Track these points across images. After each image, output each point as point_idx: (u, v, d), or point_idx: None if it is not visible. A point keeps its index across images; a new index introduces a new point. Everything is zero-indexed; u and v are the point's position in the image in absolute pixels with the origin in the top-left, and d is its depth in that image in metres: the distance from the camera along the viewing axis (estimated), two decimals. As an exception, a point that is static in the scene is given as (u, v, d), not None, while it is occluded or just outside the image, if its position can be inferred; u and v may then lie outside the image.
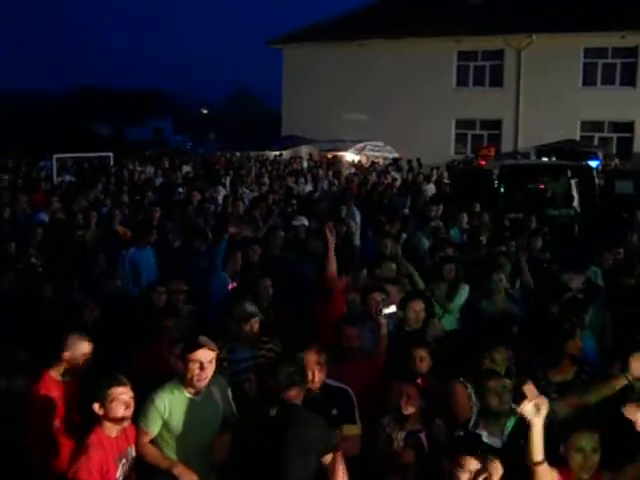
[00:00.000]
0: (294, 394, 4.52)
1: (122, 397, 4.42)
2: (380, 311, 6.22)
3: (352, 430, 5.04)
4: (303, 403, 4.62)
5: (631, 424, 4.15)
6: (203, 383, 4.74)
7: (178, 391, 4.77)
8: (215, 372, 4.86)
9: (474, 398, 5.41)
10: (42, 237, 10.16)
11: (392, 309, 6.29)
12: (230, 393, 5.08)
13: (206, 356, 4.71)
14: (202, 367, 4.69)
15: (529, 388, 3.82)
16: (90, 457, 4.26)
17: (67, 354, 5.16)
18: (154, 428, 4.74)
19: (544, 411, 3.82)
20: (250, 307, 6.19)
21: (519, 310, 7.84)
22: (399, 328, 6.63)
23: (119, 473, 4.49)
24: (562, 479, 4.06)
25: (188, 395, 4.77)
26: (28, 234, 10.11)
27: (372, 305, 6.53)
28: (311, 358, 4.92)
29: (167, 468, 4.70)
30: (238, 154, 30.91)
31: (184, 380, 4.76)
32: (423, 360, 5.72)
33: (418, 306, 6.71)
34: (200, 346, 4.72)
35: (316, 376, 4.94)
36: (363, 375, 5.68)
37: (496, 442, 4.64)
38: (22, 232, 10.33)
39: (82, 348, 5.22)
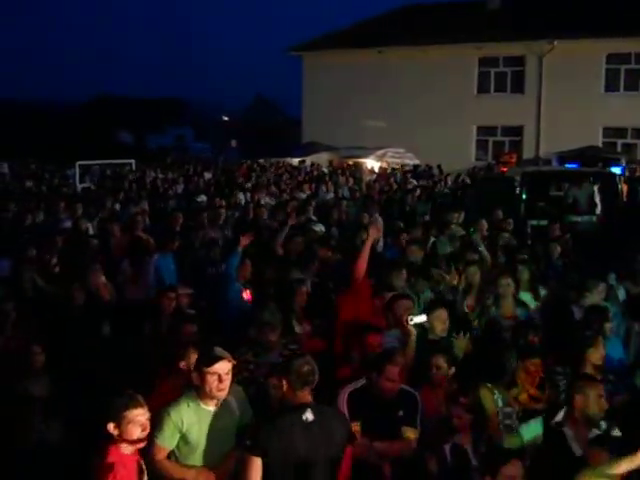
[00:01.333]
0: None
1: (139, 419, 4.23)
2: (410, 320, 6.20)
3: (409, 433, 5.18)
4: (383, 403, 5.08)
5: None
6: (222, 395, 4.70)
7: (194, 404, 4.71)
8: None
9: (500, 404, 5.44)
10: (64, 244, 10.24)
11: (422, 318, 6.28)
12: (246, 398, 5.05)
13: (224, 368, 4.66)
14: (220, 379, 4.63)
15: None
16: (115, 477, 4.11)
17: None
18: (171, 443, 4.66)
19: None
20: (271, 317, 6.26)
21: (526, 316, 7.79)
22: (423, 336, 6.60)
23: None
24: None
25: (205, 407, 4.72)
26: (51, 240, 10.17)
27: (400, 313, 6.51)
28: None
29: (194, 478, 4.66)
30: (261, 161, 30.96)
31: (200, 392, 4.70)
32: (440, 368, 5.71)
33: (443, 315, 6.69)
34: (218, 359, 4.66)
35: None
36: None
37: None
38: (44, 238, 10.39)
39: None
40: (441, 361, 5.70)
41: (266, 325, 6.19)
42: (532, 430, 5.26)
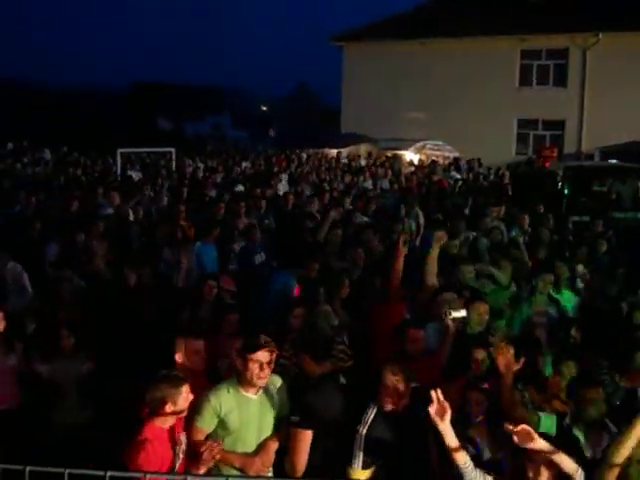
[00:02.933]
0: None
1: (188, 394, 4.52)
2: (450, 314, 6.19)
3: None
4: (396, 416, 4.65)
5: None
6: (262, 382, 4.75)
7: (234, 390, 4.77)
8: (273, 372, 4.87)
9: (529, 406, 5.42)
10: (105, 231, 10.37)
11: (462, 313, 6.26)
12: (286, 391, 5.05)
13: (266, 357, 4.70)
14: (262, 367, 4.69)
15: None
16: (149, 452, 4.26)
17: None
18: (210, 426, 4.73)
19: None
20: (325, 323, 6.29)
21: (556, 313, 7.71)
22: (462, 330, 6.58)
23: (177, 462, 4.52)
24: None
25: (244, 394, 4.77)
26: (92, 228, 10.31)
27: (442, 306, 6.49)
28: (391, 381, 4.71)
29: (229, 463, 4.69)
30: (299, 151, 30.97)
31: (241, 378, 4.76)
32: (484, 362, 5.68)
33: (482, 308, 6.66)
34: (262, 347, 4.71)
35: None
36: (424, 375, 5.66)
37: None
38: (87, 225, 10.54)
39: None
40: (482, 355, 5.66)
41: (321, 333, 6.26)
42: (544, 425, 5.19)
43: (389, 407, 4.65)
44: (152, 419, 4.43)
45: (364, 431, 4.60)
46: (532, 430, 3.84)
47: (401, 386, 4.64)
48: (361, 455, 4.58)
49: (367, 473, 4.58)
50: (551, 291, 8.10)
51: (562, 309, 7.92)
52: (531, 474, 4.02)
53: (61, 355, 6.25)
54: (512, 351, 5.09)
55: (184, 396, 4.49)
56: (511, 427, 3.84)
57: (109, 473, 3.14)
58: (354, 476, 4.58)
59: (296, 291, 8.15)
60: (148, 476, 3.35)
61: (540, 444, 3.85)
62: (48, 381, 6.09)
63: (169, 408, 4.43)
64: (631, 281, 8.20)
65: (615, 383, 5.63)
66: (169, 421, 4.49)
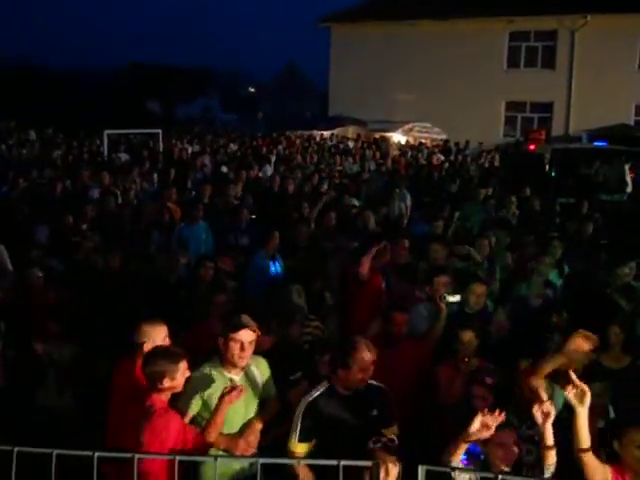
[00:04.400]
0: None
1: (185, 370, 4.53)
2: (444, 297, 6.22)
3: (389, 433, 4.60)
4: (347, 400, 4.57)
5: None
6: (242, 363, 4.74)
7: (216, 370, 4.76)
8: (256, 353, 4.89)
9: None
10: (94, 213, 10.33)
11: (457, 298, 6.29)
12: (270, 374, 5.05)
13: (247, 337, 4.70)
14: (242, 347, 4.68)
15: (573, 375, 3.78)
16: (166, 421, 4.33)
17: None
18: (193, 408, 4.71)
19: (588, 400, 3.78)
20: (297, 298, 6.31)
21: (554, 296, 7.75)
22: (460, 311, 6.60)
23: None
24: (616, 476, 3.95)
25: (227, 374, 4.77)
26: (80, 210, 10.28)
27: (437, 288, 6.51)
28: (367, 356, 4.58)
29: (214, 444, 4.67)
30: (287, 133, 30.88)
31: (223, 359, 4.76)
32: (470, 343, 5.70)
33: (479, 289, 6.68)
34: (243, 326, 4.70)
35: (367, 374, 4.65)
36: (412, 359, 5.71)
37: None
38: (75, 207, 10.50)
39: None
40: (469, 336, 5.67)
41: (293, 307, 6.28)
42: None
43: (342, 387, 4.61)
44: (155, 394, 4.42)
45: (305, 404, 4.55)
46: (552, 415, 3.87)
47: (370, 365, 4.56)
48: (299, 427, 4.51)
49: (304, 447, 4.49)
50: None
51: (557, 291, 7.95)
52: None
53: (47, 338, 6.21)
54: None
55: (182, 371, 4.47)
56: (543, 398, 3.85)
57: (97, 453, 3.15)
58: (291, 448, 4.52)
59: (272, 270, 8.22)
60: (137, 456, 3.35)
61: (546, 430, 3.91)
62: (34, 364, 6.05)
63: (167, 383, 4.41)
64: (615, 261, 8.24)
65: (598, 364, 5.68)
66: (166, 396, 4.48)
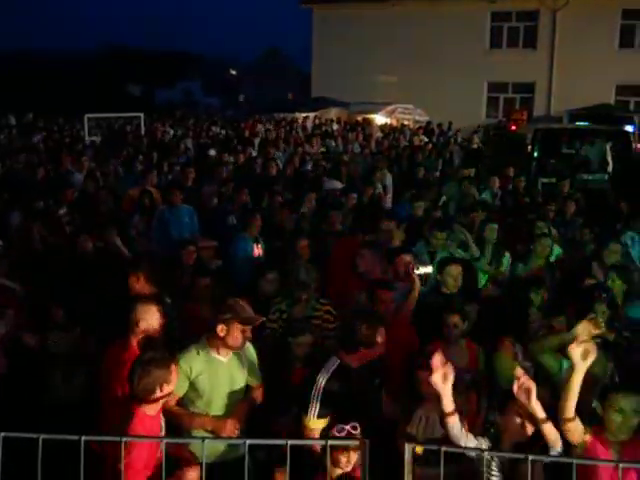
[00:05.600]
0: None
1: (176, 371, 4.37)
2: (417, 268, 6.25)
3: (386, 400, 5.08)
4: (357, 373, 4.78)
5: None
6: (241, 347, 4.80)
7: (204, 352, 4.76)
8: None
9: (520, 357, 5.51)
10: (75, 197, 10.26)
11: (428, 269, 6.33)
12: (256, 357, 5.09)
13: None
14: (245, 333, 4.73)
15: (584, 328, 3.82)
16: (142, 447, 4.01)
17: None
18: (180, 390, 4.69)
19: (591, 358, 3.81)
20: (306, 276, 6.33)
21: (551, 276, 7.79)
22: (436, 291, 6.63)
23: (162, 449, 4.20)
24: (594, 438, 4.07)
25: (215, 356, 4.77)
26: (60, 194, 10.21)
27: (402, 265, 6.54)
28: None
29: (201, 426, 4.70)
30: (271, 117, 30.75)
31: (213, 341, 4.75)
32: (457, 326, 5.73)
33: (455, 270, 6.71)
34: (255, 319, 4.78)
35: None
36: (395, 335, 5.73)
37: None
38: (55, 192, 10.42)
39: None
40: (456, 319, 5.72)
41: (303, 285, 6.26)
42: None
43: (357, 363, 4.79)
44: (138, 408, 4.16)
45: (323, 382, 4.69)
46: (533, 390, 3.87)
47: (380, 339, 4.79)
48: (318, 405, 4.64)
49: (322, 423, 4.61)
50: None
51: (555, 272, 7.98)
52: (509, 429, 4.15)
53: (50, 327, 6.09)
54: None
55: (174, 373, 4.31)
56: (519, 375, 3.86)
57: (84, 438, 3.15)
58: (309, 425, 4.65)
59: (257, 249, 8.21)
60: (124, 439, 3.35)
61: (534, 406, 3.88)
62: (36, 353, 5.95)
63: (164, 390, 4.21)
64: (598, 240, 8.30)
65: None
66: (157, 408, 4.27)
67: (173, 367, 4.28)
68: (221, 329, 4.69)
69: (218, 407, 4.78)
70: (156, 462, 3.96)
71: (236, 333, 4.69)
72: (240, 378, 4.88)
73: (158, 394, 4.17)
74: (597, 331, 4.17)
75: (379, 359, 4.94)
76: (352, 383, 4.73)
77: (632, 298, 6.76)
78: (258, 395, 5.04)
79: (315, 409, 4.64)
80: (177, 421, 4.70)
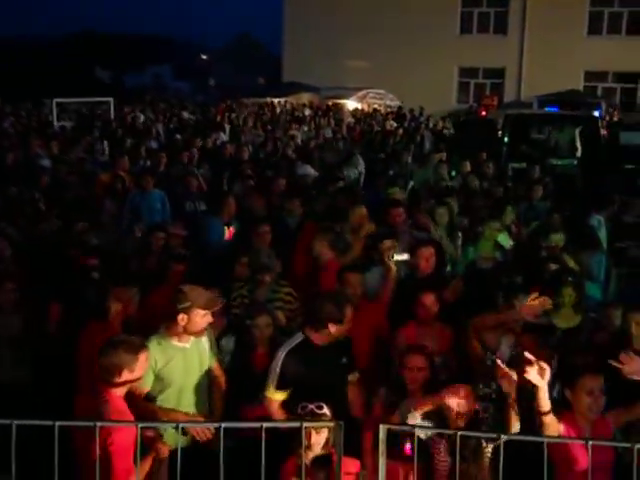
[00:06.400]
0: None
1: (145, 362, 4.28)
2: (392, 256, 6.29)
3: (354, 379, 5.08)
4: (322, 350, 4.82)
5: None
6: (204, 332, 4.80)
7: (165, 341, 4.74)
8: None
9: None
10: (46, 182, 10.17)
11: (404, 257, 6.36)
12: (214, 340, 5.13)
13: (216, 309, 4.82)
14: (206, 317, 4.73)
15: (528, 355, 3.88)
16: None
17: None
18: (147, 384, 4.65)
19: (547, 376, 3.87)
20: (268, 260, 6.33)
21: (504, 258, 7.87)
22: (410, 274, 6.67)
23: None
24: (567, 425, 4.14)
25: (176, 344, 4.76)
26: (32, 179, 10.11)
27: (383, 251, 6.58)
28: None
29: (169, 420, 4.58)
30: (242, 101, 30.58)
31: (175, 330, 4.72)
32: (433, 305, 5.77)
33: (428, 252, 6.74)
34: (217, 303, 4.78)
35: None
36: (368, 320, 5.76)
37: None
38: (26, 177, 10.30)
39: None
40: (432, 299, 5.76)
41: (264, 268, 6.26)
42: None
43: (321, 340, 4.86)
44: (110, 390, 4.10)
45: (283, 354, 4.76)
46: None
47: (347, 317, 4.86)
48: (277, 376, 4.72)
49: (281, 395, 4.70)
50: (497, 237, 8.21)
51: (507, 254, 8.04)
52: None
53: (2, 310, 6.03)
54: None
55: (141, 363, 4.20)
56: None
57: (58, 423, 3.13)
58: (268, 395, 4.74)
59: (229, 233, 8.24)
60: (99, 424, 3.34)
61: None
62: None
63: (125, 376, 4.11)
64: (567, 225, 8.39)
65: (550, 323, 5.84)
66: (124, 390, 4.20)
67: (142, 356, 4.19)
68: (182, 318, 4.66)
69: (189, 394, 4.79)
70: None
71: (197, 319, 4.68)
72: (204, 361, 4.90)
73: (117, 379, 4.07)
74: (540, 309, 4.20)
75: (347, 339, 4.98)
76: (316, 360, 4.77)
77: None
78: (220, 376, 5.06)
79: (274, 380, 4.72)
80: (145, 417, 4.55)
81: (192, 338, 4.79)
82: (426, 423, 4.22)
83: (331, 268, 6.59)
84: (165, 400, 4.74)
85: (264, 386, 4.77)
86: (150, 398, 4.70)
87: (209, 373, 4.95)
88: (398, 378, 4.84)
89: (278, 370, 4.73)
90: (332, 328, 4.80)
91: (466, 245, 8.08)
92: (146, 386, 4.64)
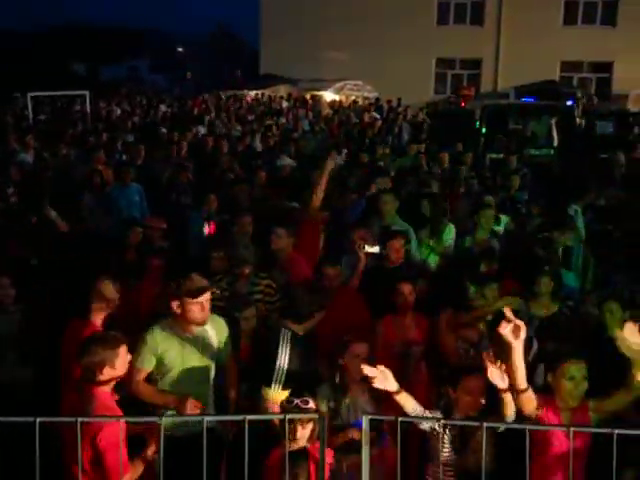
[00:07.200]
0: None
1: (126, 355, 4.23)
2: (363, 247, 6.33)
3: None
4: (309, 343, 4.96)
5: (613, 355, 4.26)
6: (204, 320, 4.80)
7: (168, 329, 4.79)
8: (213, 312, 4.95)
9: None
10: (22, 177, 10.08)
11: (375, 249, 6.41)
12: (227, 332, 5.10)
13: (206, 297, 4.78)
14: (203, 307, 4.74)
15: (508, 311, 3.87)
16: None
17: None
18: (148, 365, 4.75)
19: (523, 334, 3.82)
20: (245, 251, 6.32)
21: (498, 244, 7.92)
22: (379, 266, 6.71)
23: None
24: (546, 408, 4.19)
25: (180, 333, 4.80)
26: (7, 174, 10.02)
27: (355, 240, 6.62)
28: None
29: (165, 403, 4.70)
30: (219, 94, 30.41)
31: (178, 319, 4.78)
32: (411, 294, 5.82)
33: (398, 243, 6.79)
34: (203, 290, 4.75)
35: None
36: (342, 307, 5.81)
37: None
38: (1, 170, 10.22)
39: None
40: (409, 288, 5.80)
41: (242, 261, 6.26)
42: None
43: (302, 331, 5.01)
44: (96, 387, 4.06)
45: (286, 352, 4.82)
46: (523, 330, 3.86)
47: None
48: (283, 376, 4.75)
49: (284, 394, 4.68)
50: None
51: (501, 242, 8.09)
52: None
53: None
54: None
55: (122, 357, 4.16)
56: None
57: (39, 419, 3.12)
58: (272, 395, 4.74)
59: (208, 227, 8.22)
60: (80, 419, 3.33)
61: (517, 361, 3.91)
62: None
63: (107, 373, 4.08)
64: (546, 215, 8.47)
65: (529, 313, 5.90)
66: (111, 386, 4.17)
67: (122, 350, 4.15)
68: (176, 306, 4.71)
69: (186, 382, 4.79)
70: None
71: (190, 307, 4.70)
72: (207, 355, 4.90)
73: (100, 376, 4.05)
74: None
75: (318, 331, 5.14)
76: (306, 352, 4.89)
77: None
78: (230, 369, 5.11)
79: (280, 379, 4.75)
80: (142, 397, 4.74)
81: (196, 329, 4.83)
82: (433, 414, 4.25)
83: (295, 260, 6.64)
84: (164, 385, 4.80)
85: (265, 386, 4.76)
86: (152, 379, 4.79)
87: (211, 366, 4.94)
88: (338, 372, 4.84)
89: (285, 369, 4.76)
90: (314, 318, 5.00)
91: (461, 235, 8.13)
92: (148, 367, 4.75)
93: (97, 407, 4.00)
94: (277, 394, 4.71)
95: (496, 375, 3.90)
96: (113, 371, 4.09)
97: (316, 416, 3.70)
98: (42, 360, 5.70)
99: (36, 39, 56.08)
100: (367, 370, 3.87)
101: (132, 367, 4.64)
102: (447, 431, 4.26)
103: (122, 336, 4.28)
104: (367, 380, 3.99)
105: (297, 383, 4.59)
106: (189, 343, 4.82)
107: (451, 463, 4.27)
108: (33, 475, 3.19)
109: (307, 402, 4.22)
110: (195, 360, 4.82)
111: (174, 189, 9.79)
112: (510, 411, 4.01)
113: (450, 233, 8.04)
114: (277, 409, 4.61)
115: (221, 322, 5.10)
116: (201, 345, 4.86)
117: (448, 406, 4.39)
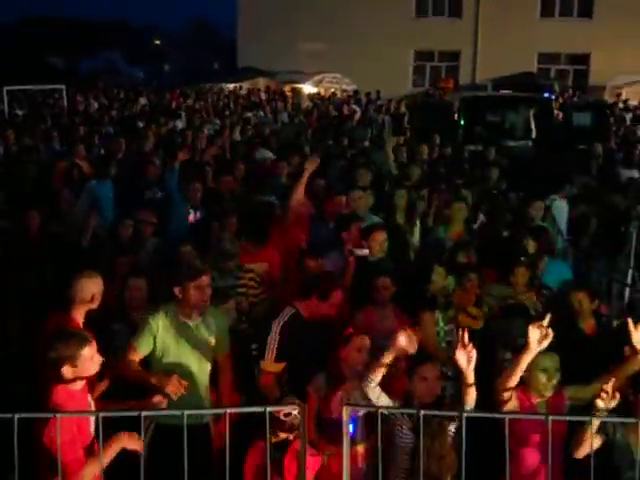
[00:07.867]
0: None
1: (95, 357, 3.97)
2: (352, 252, 6.34)
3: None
4: (310, 326, 5.12)
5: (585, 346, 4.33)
6: (205, 305, 4.91)
7: (172, 314, 4.88)
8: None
9: (442, 324, 5.67)
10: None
11: (365, 252, 6.42)
12: (227, 325, 5.20)
13: (206, 280, 4.89)
14: (204, 292, 4.86)
15: (462, 336, 3.93)
16: (63, 421, 3.62)
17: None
18: (144, 348, 4.82)
19: (547, 342, 3.94)
20: (230, 245, 6.36)
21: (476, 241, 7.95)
22: (362, 259, 6.72)
23: (92, 425, 3.99)
24: (521, 399, 4.26)
25: (182, 319, 4.89)
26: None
27: (347, 240, 6.61)
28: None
29: (148, 383, 4.67)
30: (197, 87, 30.25)
31: (181, 305, 4.88)
32: (387, 288, 5.84)
33: (381, 236, 6.80)
34: (202, 272, 4.88)
35: None
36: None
37: None
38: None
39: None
40: (387, 282, 5.82)
41: (227, 254, 6.30)
42: None
43: (308, 313, 5.16)
44: (65, 383, 3.87)
45: (279, 328, 5.04)
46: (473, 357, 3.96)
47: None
48: (275, 349, 4.97)
49: (278, 366, 4.90)
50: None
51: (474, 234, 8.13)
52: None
53: None
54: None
55: (86, 358, 3.90)
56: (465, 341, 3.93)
57: (17, 415, 3.10)
58: (266, 367, 4.96)
59: (192, 217, 8.22)
60: (59, 415, 3.32)
61: (469, 372, 3.98)
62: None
63: (67, 372, 3.85)
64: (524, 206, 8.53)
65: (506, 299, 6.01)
66: (81, 383, 3.97)
67: (85, 350, 3.89)
68: (178, 291, 4.83)
69: (184, 368, 4.84)
70: (91, 438, 3.87)
71: (191, 291, 4.81)
72: (206, 344, 4.95)
73: (60, 374, 3.83)
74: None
75: (330, 324, 5.20)
76: (307, 332, 5.03)
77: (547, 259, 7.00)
78: (224, 362, 5.12)
79: (272, 352, 4.98)
80: (128, 376, 4.76)
81: (199, 318, 4.92)
82: (390, 401, 4.25)
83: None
84: (160, 371, 4.82)
85: (260, 359, 5.01)
86: (148, 362, 4.88)
87: (209, 355, 4.98)
88: (335, 364, 4.83)
89: (276, 342, 4.98)
90: (316, 302, 5.15)
91: (437, 226, 8.16)
92: (145, 350, 4.84)
93: (50, 404, 3.82)
94: (271, 365, 4.91)
95: (461, 356, 3.95)
96: (74, 370, 3.86)
97: (297, 408, 3.71)
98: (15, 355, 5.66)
99: (12, 31, 55.46)
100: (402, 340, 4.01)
101: (129, 345, 4.86)
102: (406, 417, 4.27)
103: (90, 336, 4.06)
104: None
105: (292, 361, 4.77)
106: (190, 330, 4.91)
107: (409, 449, 4.26)
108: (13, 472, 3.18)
109: (289, 414, 4.16)
110: (194, 347, 4.89)
111: (141, 184, 9.69)
112: (471, 399, 4.06)
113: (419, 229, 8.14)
114: (271, 380, 4.86)
115: (221, 315, 5.20)
116: (201, 333, 4.93)
117: (408, 395, 4.39)
